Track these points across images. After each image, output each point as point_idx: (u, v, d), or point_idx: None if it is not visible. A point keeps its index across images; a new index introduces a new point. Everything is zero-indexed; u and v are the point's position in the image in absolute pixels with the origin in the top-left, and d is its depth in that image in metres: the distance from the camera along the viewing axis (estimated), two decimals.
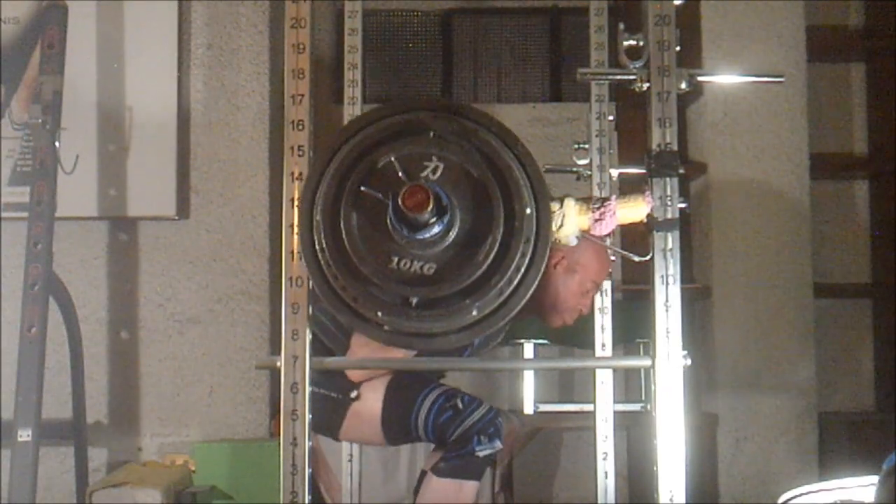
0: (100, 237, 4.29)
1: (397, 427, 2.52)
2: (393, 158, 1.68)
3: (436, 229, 1.66)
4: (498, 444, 2.47)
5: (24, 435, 3.38)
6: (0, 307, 3.97)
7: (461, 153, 1.71)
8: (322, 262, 1.73)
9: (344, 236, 1.70)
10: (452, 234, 1.70)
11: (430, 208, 1.60)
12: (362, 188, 1.70)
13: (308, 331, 1.84)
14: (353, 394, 2.47)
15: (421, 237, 1.67)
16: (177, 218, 4.25)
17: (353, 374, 2.46)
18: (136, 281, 4.28)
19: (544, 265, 1.72)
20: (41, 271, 3.52)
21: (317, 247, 1.74)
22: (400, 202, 1.61)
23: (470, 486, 2.46)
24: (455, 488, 2.45)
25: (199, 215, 4.30)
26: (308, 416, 1.83)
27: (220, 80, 4.35)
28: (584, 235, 1.88)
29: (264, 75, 4.34)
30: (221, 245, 4.29)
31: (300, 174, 1.86)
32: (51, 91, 3.67)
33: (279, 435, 1.85)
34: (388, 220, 1.67)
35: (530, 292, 1.72)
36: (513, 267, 1.69)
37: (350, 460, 3.08)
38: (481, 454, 2.43)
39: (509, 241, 1.69)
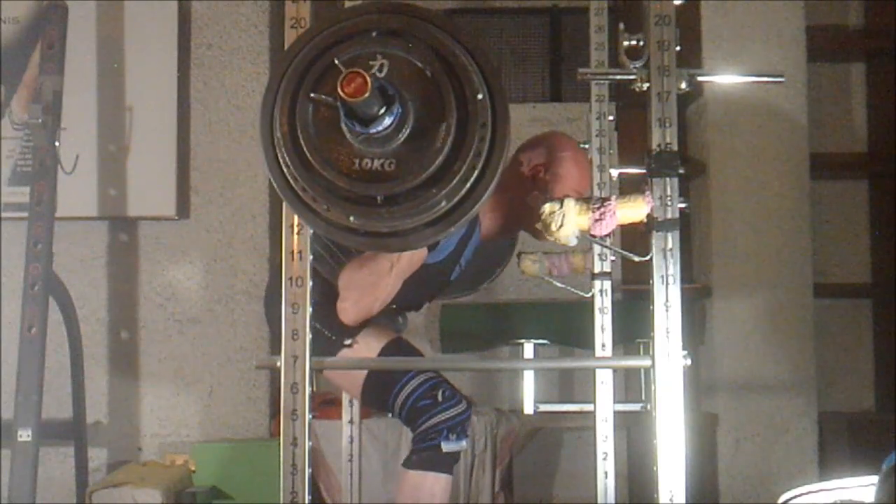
0: (100, 237, 4.29)
1: (377, 393, 2.53)
2: (336, 61, 1.69)
3: (387, 121, 1.66)
4: (464, 444, 2.48)
5: (24, 435, 3.38)
6: (0, 307, 3.97)
7: (406, 48, 1.72)
8: (290, 178, 1.73)
9: (304, 148, 1.71)
10: (407, 129, 1.70)
11: (368, 92, 1.59)
12: (311, 95, 1.71)
13: (308, 331, 1.84)
14: (347, 341, 2.46)
15: (374, 131, 1.66)
16: (177, 218, 4.25)
17: (348, 318, 2.45)
18: (136, 281, 4.28)
19: (506, 150, 1.73)
20: (41, 271, 3.52)
21: (281, 163, 1.74)
22: (339, 91, 1.60)
23: (440, 479, 2.47)
24: (426, 480, 2.46)
25: (199, 215, 4.30)
26: (308, 416, 1.83)
27: (220, 80, 4.35)
28: (585, 235, 1.88)
29: (264, 75, 4.34)
30: (221, 245, 4.29)
31: None
32: (51, 91, 3.68)
33: (279, 435, 1.85)
34: (343, 122, 1.68)
35: (496, 179, 1.72)
36: (472, 152, 1.69)
37: (350, 460, 3.08)
38: (446, 450, 2.44)
39: (465, 128, 1.69)
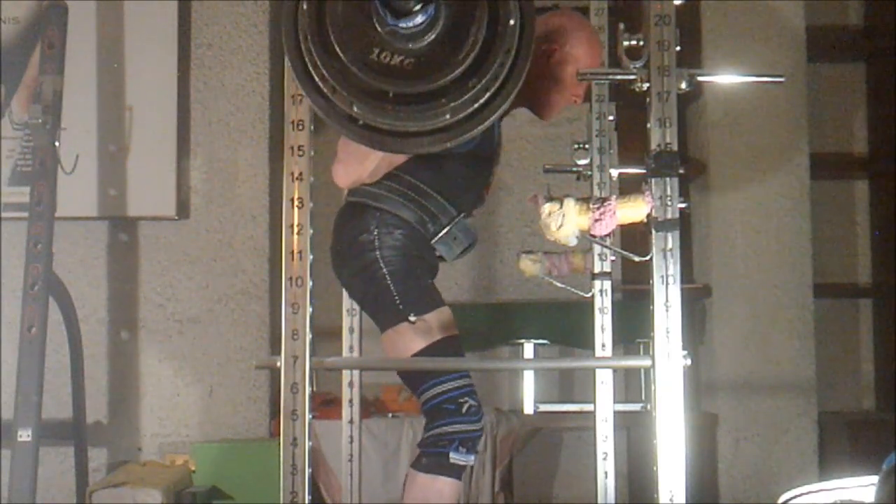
0: (100, 237, 4.29)
1: (413, 377, 2.52)
2: None
3: (419, 19, 1.66)
4: (472, 459, 2.46)
5: (24, 435, 3.38)
6: (0, 307, 3.97)
7: None
8: (304, 49, 1.73)
9: (328, 23, 1.70)
10: (435, 32, 1.69)
11: None
12: None
13: (308, 331, 1.84)
14: (413, 318, 2.46)
15: (404, 25, 1.66)
16: (177, 218, 4.25)
17: (338, 179, 2.45)
18: (136, 281, 4.28)
19: (521, 82, 1.73)
20: (41, 271, 3.52)
21: (300, 33, 1.73)
22: None
23: (449, 483, 2.46)
24: (435, 484, 2.45)
25: (199, 215, 4.30)
26: (308, 416, 1.83)
27: (220, 80, 4.35)
28: (585, 235, 1.88)
29: (264, 75, 4.34)
30: (221, 245, 4.29)
31: (300, 174, 1.87)
32: (51, 91, 3.68)
33: (279, 435, 1.85)
34: (374, 6, 1.67)
35: (505, 105, 1.72)
36: (491, 74, 1.70)
37: (350, 460, 3.08)
38: (454, 460, 2.43)
39: (490, 47, 1.70)
